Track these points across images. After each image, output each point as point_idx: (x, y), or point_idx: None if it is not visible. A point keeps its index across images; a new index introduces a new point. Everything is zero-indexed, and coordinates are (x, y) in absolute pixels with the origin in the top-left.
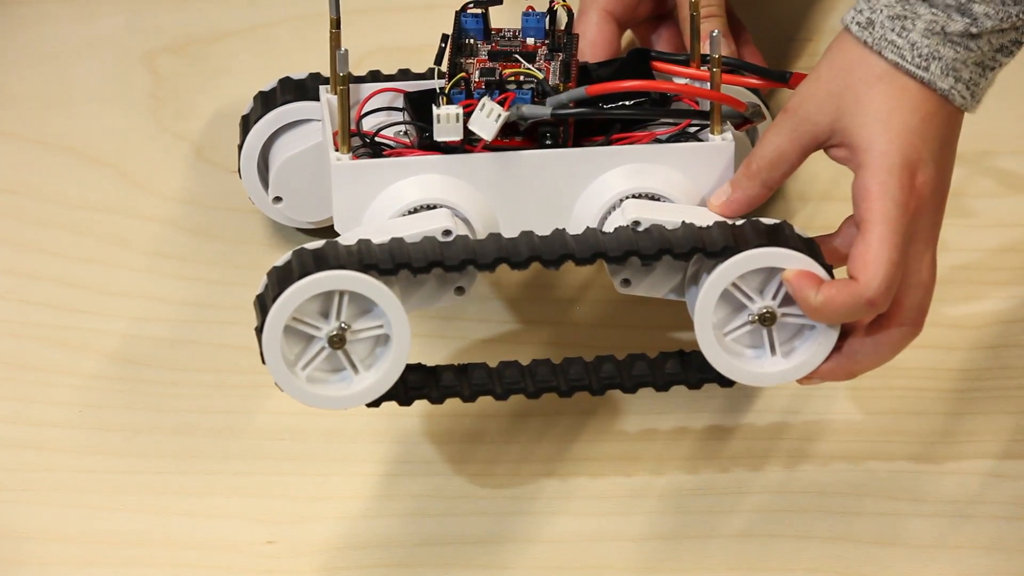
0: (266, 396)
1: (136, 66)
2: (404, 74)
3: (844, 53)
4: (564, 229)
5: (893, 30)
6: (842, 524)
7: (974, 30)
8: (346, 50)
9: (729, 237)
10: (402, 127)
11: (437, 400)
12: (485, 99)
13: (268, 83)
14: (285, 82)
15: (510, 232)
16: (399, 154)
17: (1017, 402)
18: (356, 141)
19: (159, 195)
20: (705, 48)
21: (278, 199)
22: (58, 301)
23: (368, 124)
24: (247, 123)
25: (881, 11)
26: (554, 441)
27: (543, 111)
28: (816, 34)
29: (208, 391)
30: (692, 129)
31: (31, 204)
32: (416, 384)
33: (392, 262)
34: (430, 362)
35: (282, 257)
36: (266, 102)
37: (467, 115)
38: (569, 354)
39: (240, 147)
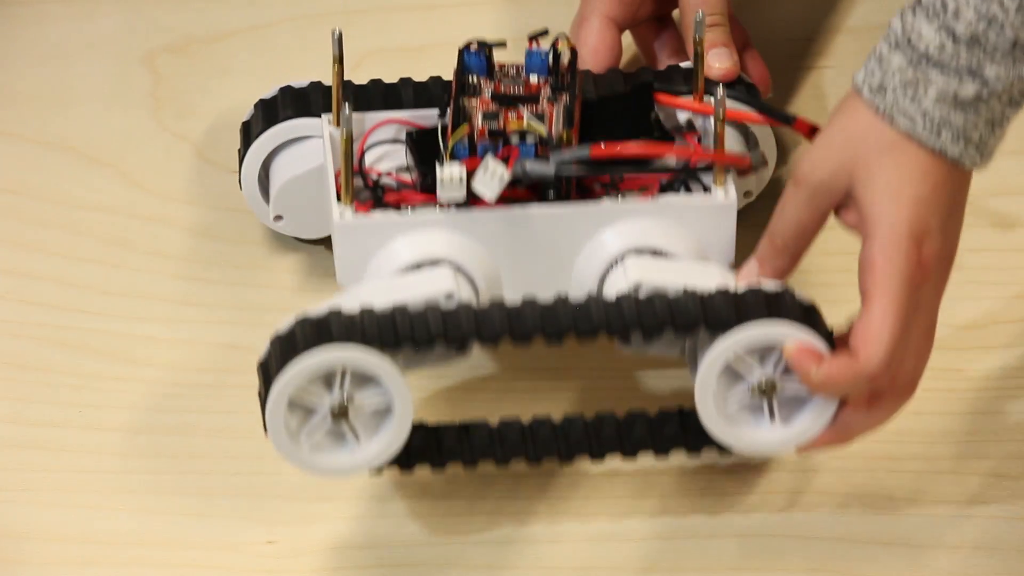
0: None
1: (136, 66)
2: (405, 85)
3: (855, 118)
4: (567, 297)
5: (905, 96)
6: (842, 524)
7: (985, 93)
8: (350, 111)
9: (731, 310)
10: (402, 162)
11: (439, 466)
12: (488, 159)
13: (269, 87)
14: (286, 92)
15: (512, 285)
16: (402, 198)
17: (1018, 402)
18: (358, 179)
19: (159, 195)
20: (714, 64)
21: (279, 217)
22: (58, 301)
23: (371, 158)
24: (248, 131)
25: (894, 75)
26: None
27: (547, 170)
28: (816, 34)
29: (208, 391)
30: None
31: (31, 204)
32: (418, 449)
33: (395, 338)
34: (427, 402)
35: (285, 323)
36: (267, 114)
37: (470, 172)
38: (567, 395)
39: (240, 159)
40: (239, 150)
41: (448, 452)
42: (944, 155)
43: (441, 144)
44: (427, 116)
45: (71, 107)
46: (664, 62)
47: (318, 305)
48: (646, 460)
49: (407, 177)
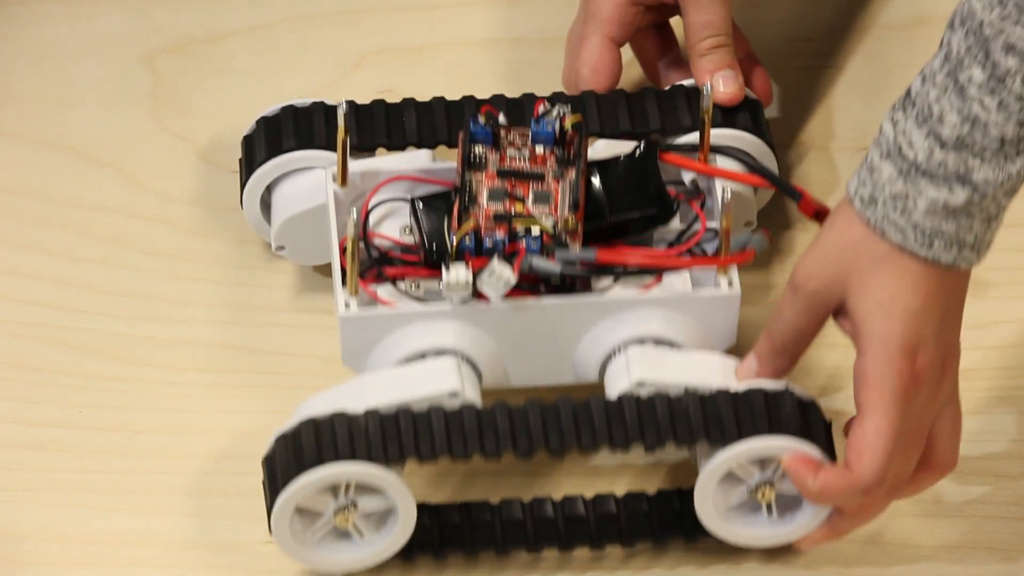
0: (265, 396)
1: (136, 66)
2: (408, 110)
3: (849, 229)
4: (571, 407)
5: (895, 210)
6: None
7: (976, 198)
8: (359, 220)
9: (732, 425)
10: (407, 220)
11: (440, 556)
12: (495, 262)
13: (269, 88)
14: (288, 115)
15: (515, 368)
16: (408, 272)
17: (1018, 402)
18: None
19: (159, 195)
20: (719, 88)
21: (281, 247)
22: (58, 301)
23: (375, 217)
24: (250, 149)
25: (884, 187)
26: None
27: (552, 269)
28: (817, 35)
29: (208, 391)
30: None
31: (31, 204)
32: (419, 542)
33: (400, 455)
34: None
35: (289, 421)
36: (270, 141)
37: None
38: (564, 485)
39: (242, 183)
40: (240, 171)
41: (449, 540)
42: (938, 263)
43: (447, 238)
44: (437, 171)
45: (71, 107)
46: (665, 74)
47: (323, 400)
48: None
49: (411, 239)
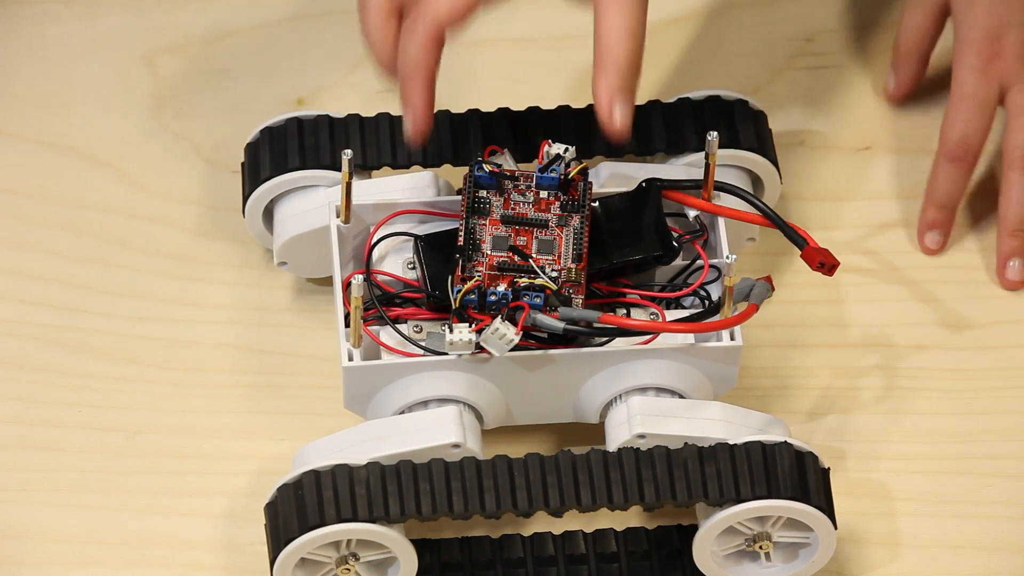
0: (266, 396)
1: (136, 66)
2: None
3: None
4: (572, 462)
5: None
6: (840, 524)
7: None
8: (364, 281)
9: (730, 487)
10: (411, 255)
11: None
12: (498, 321)
13: (269, 88)
14: (292, 130)
15: (517, 411)
16: (410, 314)
17: (1018, 402)
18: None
19: (159, 195)
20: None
21: (283, 263)
22: (58, 301)
23: (379, 252)
24: (254, 158)
25: None
26: None
27: (555, 326)
28: (817, 34)
29: (208, 391)
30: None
31: (31, 204)
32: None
33: (401, 514)
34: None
35: (292, 473)
36: (275, 157)
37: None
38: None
39: (245, 195)
40: (243, 180)
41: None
42: None
43: (451, 292)
44: (441, 204)
45: (71, 107)
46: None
47: (324, 444)
48: None
49: (413, 274)
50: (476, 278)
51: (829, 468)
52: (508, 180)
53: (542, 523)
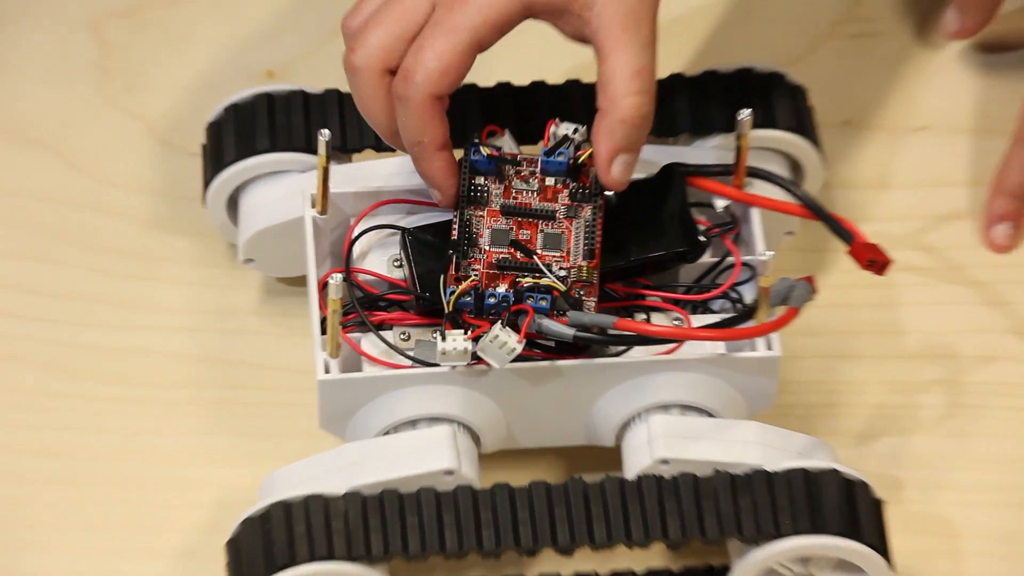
0: (228, 415)
1: (81, 33)
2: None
3: None
4: (583, 492)
5: None
6: (898, 565)
7: None
8: (343, 281)
9: (768, 520)
10: (397, 251)
11: None
12: (498, 328)
13: (233, 60)
14: (260, 107)
15: (520, 434)
16: (397, 319)
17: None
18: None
19: (107, 182)
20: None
21: (249, 260)
22: None
23: (360, 247)
24: (217, 139)
25: None
26: None
27: (564, 333)
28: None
29: (162, 409)
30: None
31: None
32: None
33: (385, 554)
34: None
35: (258, 505)
36: (241, 137)
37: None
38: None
39: (206, 180)
40: (204, 164)
41: None
42: None
43: (443, 293)
44: (426, 208)
45: (4, 80)
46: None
47: (295, 470)
48: None
49: (401, 277)
50: (472, 278)
51: (883, 500)
52: (509, 165)
53: (549, 563)
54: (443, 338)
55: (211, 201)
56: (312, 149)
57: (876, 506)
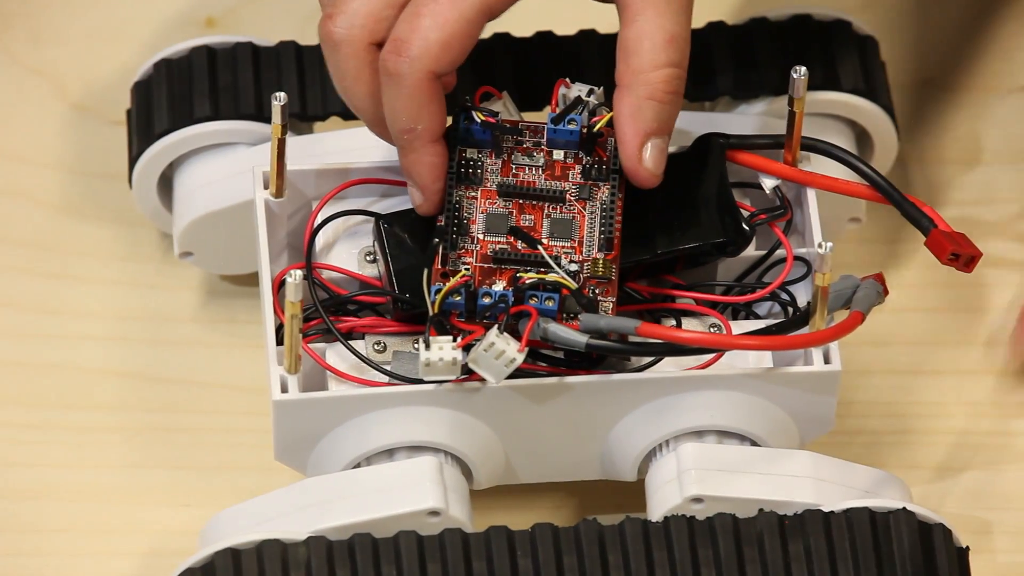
0: (162, 444)
1: None
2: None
3: None
4: (595, 533)
5: None
6: None
7: None
8: (303, 279)
9: (824, 569)
10: (370, 242)
11: None
12: (494, 335)
13: (162, 9)
14: (199, 62)
15: (520, 467)
16: (369, 327)
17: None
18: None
19: (8, 156)
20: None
21: (187, 254)
22: None
23: (325, 237)
24: (145, 105)
25: None
26: None
27: (575, 340)
28: None
29: (80, 437)
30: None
31: None
32: None
33: None
34: None
35: (200, 554)
36: (174, 101)
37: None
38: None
39: (132, 157)
40: (129, 136)
41: None
42: None
43: (427, 290)
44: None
45: None
46: None
47: (245, 512)
48: None
49: (373, 270)
50: (463, 273)
51: (968, 547)
52: (508, 135)
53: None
54: (427, 347)
55: (139, 181)
56: (264, 116)
57: (959, 555)
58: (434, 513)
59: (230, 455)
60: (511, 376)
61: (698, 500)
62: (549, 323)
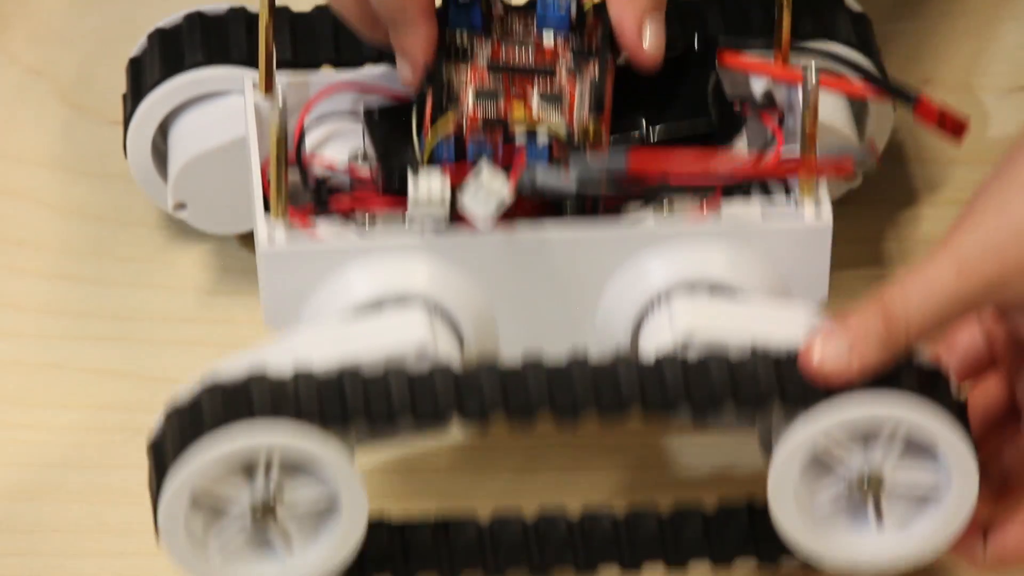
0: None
1: None
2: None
3: None
4: (585, 358)
5: None
6: None
7: None
8: (284, 104)
9: (819, 397)
10: (359, 143)
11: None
12: (483, 170)
13: (164, 6)
14: (193, 23)
15: (511, 332)
16: (358, 203)
17: None
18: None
19: (6, 156)
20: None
21: (181, 205)
22: None
23: (315, 138)
24: (138, 74)
25: None
26: None
27: (565, 185)
28: None
29: (80, 437)
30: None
31: None
32: (376, 556)
33: (343, 411)
34: (388, 486)
35: (186, 389)
36: (167, 56)
37: (456, 185)
38: (585, 484)
39: (126, 117)
40: (125, 103)
41: (419, 558)
42: None
43: (416, 142)
44: (394, 76)
45: None
46: None
47: (233, 360)
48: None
49: (364, 169)
50: (453, 114)
51: (965, 400)
52: (498, 18)
53: (547, 480)
54: (416, 187)
55: (133, 142)
56: (255, 63)
57: (957, 395)
58: (422, 352)
59: None
60: (501, 223)
61: (690, 337)
62: (538, 170)
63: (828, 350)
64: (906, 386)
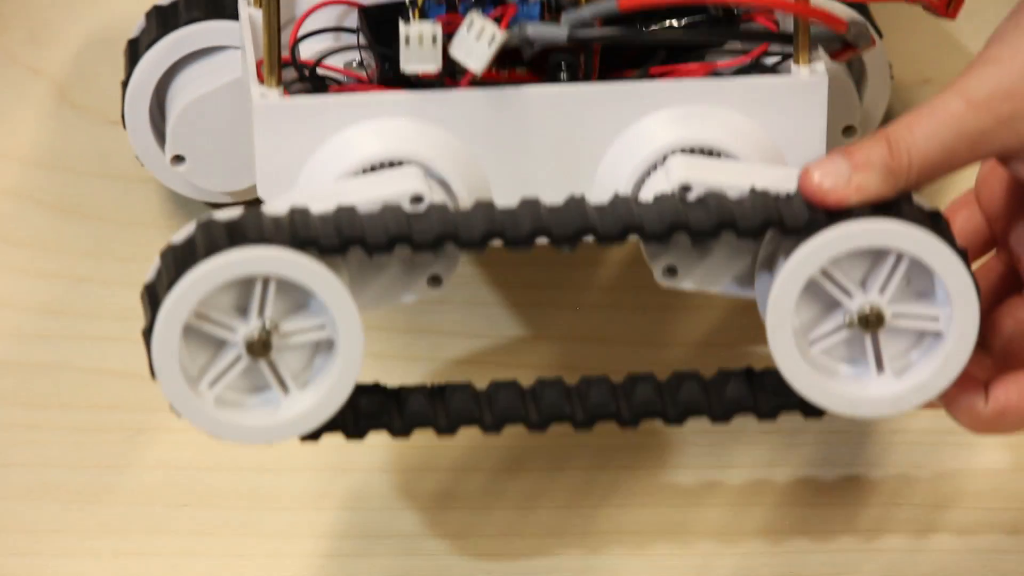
0: (160, 442)
1: None
2: None
3: None
4: (582, 196)
5: None
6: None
7: None
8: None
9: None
10: (356, 56)
11: (401, 431)
12: (474, 13)
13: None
14: None
15: (506, 200)
16: (350, 91)
17: None
18: (291, 74)
19: (8, 155)
20: None
21: (179, 158)
22: None
23: (307, 51)
24: (136, 50)
25: None
26: (573, 505)
27: (557, 33)
28: None
29: (78, 436)
30: (769, 60)
31: None
32: (371, 410)
33: (339, 237)
34: (380, 360)
35: (182, 230)
36: (164, 19)
37: (448, 36)
38: (578, 357)
39: (125, 84)
40: (125, 73)
41: (414, 416)
42: None
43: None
44: None
45: None
46: None
47: (229, 210)
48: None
49: (361, 73)
50: None
51: (965, 250)
52: None
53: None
54: (407, 27)
55: (131, 106)
56: None
57: (961, 251)
58: (417, 199)
59: (230, 455)
60: (489, 79)
61: (687, 189)
62: (529, 24)
63: (828, 169)
64: (908, 217)
